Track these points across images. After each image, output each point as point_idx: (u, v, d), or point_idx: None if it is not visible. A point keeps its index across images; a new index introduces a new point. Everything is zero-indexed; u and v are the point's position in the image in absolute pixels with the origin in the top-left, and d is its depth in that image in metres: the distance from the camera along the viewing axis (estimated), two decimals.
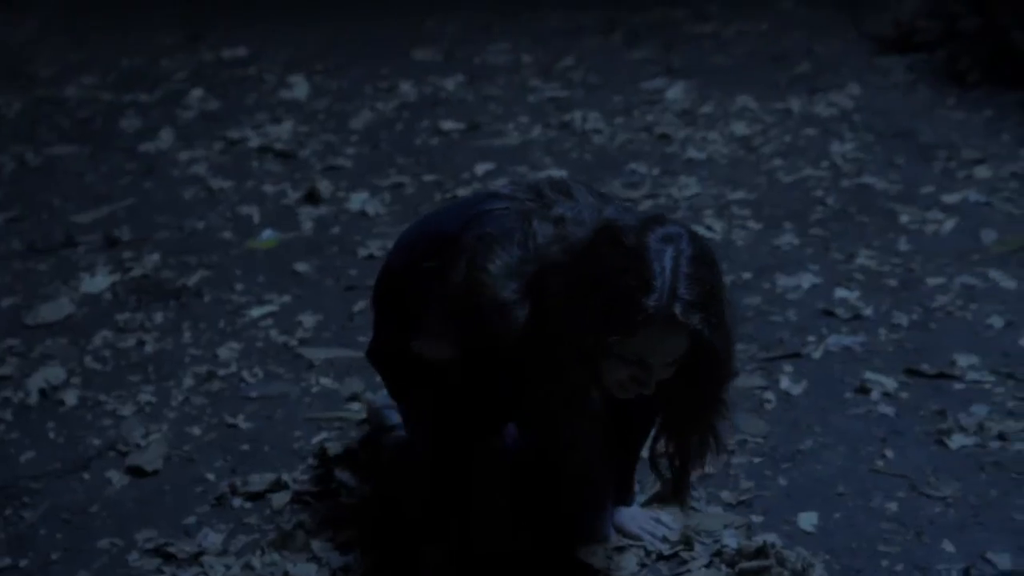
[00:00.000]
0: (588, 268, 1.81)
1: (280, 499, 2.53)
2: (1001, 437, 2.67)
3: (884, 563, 2.27)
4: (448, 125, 5.08)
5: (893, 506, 2.45)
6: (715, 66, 5.86)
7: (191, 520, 2.50)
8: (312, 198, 4.30)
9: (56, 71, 6.34)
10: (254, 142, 4.94)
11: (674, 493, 2.10)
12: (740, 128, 4.86)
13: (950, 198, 4.06)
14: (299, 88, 5.67)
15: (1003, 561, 2.25)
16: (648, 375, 1.83)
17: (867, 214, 3.98)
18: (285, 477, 2.58)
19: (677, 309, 1.75)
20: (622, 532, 2.36)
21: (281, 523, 2.45)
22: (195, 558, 2.34)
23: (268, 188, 4.47)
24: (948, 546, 2.30)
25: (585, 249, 1.83)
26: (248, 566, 2.30)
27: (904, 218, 3.92)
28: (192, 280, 3.68)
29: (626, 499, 2.39)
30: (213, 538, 2.41)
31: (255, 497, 2.55)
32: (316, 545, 2.35)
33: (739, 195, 4.20)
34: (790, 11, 7.00)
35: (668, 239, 1.78)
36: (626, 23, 6.70)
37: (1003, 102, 5.05)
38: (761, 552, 2.24)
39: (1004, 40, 5.32)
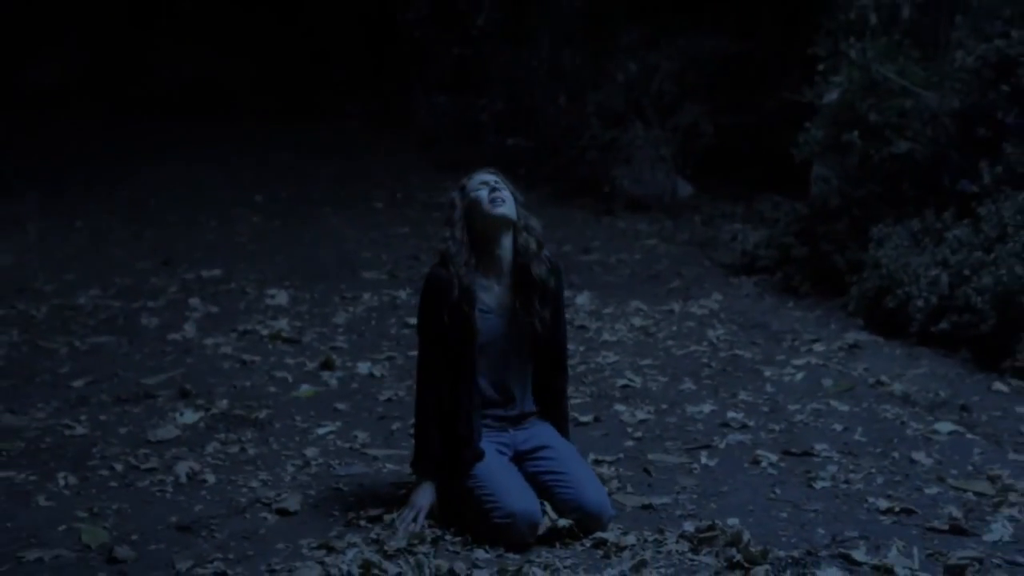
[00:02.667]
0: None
1: (390, 517, 3.83)
2: (847, 482, 4.19)
3: (783, 539, 3.70)
4: (413, 321, 6.51)
5: (784, 515, 3.91)
6: (607, 282, 7.53)
7: (334, 533, 3.77)
8: (327, 366, 5.68)
9: (58, 287, 7.56)
10: (263, 331, 6.30)
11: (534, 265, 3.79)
12: (638, 321, 6.47)
13: (798, 361, 5.71)
14: (280, 297, 7.07)
15: (853, 534, 3.73)
16: (493, 188, 3.71)
17: (741, 372, 5.59)
18: (392, 513, 3.88)
19: (485, 172, 3.78)
20: None
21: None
22: (350, 546, 3.62)
23: (289, 361, 5.82)
24: (821, 531, 3.76)
25: None
26: (383, 549, 3.58)
27: (767, 373, 5.54)
28: (261, 415, 4.98)
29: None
30: (356, 539, 3.69)
31: (374, 519, 3.84)
32: (426, 544, 3.65)
33: (647, 361, 5.76)
34: (654, 247, 8.82)
35: None
36: None
37: (829, 306, 6.85)
38: (710, 527, 3.66)
39: (827, 263, 7.14)
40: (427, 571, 3.45)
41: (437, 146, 14.80)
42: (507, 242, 3.78)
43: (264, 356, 5.88)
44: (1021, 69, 6.22)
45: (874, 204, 7.03)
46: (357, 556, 3.52)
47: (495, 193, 3.71)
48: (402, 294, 7.17)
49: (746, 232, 8.25)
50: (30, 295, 7.33)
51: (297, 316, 6.67)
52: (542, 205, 10.47)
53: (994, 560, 3.50)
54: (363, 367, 5.67)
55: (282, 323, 6.46)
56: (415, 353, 5.54)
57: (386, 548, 3.59)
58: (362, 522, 3.82)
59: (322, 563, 3.50)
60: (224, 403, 5.14)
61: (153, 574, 3.48)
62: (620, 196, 10.59)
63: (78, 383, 5.51)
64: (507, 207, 3.71)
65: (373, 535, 3.70)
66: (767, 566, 3.44)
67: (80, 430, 4.83)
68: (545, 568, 3.47)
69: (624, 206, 10.44)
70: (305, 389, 5.34)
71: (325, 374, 5.59)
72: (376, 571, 3.43)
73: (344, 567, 3.47)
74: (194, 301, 7.02)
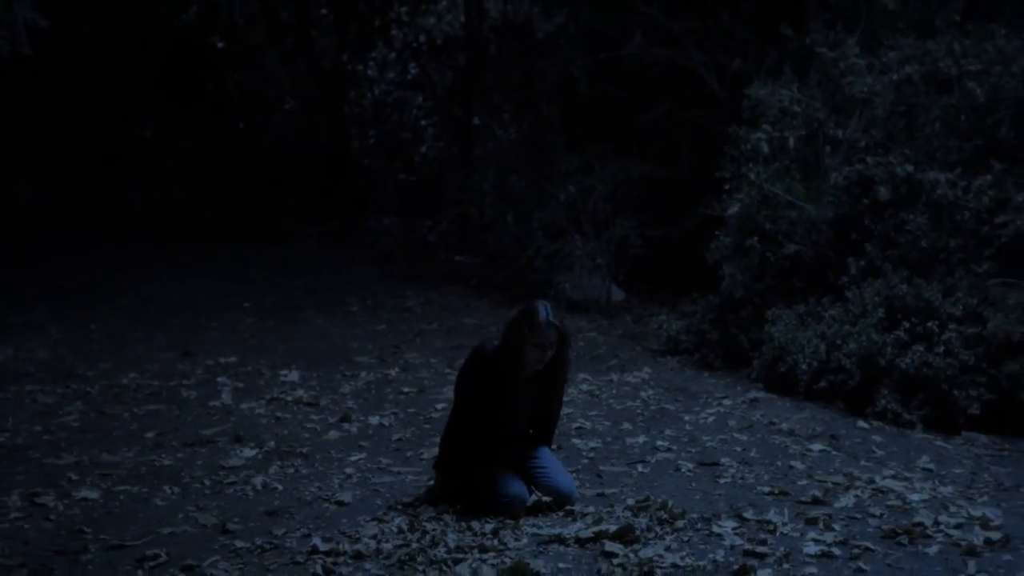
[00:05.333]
0: (516, 318, 5.16)
1: (419, 505, 5.42)
2: (743, 479, 5.86)
3: (696, 508, 5.33)
4: (406, 389, 8.18)
5: (697, 496, 5.54)
6: None
7: (380, 512, 5.36)
8: (346, 419, 7.26)
9: (98, 373, 9.04)
10: (287, 398, 7.87)
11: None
12: (585, 387, 8.14)
13: (710, 411, 7.40)
14: (292, 376, 8.65)
15: (744, 504, 5.38)
16: (544, 352, 5.10)
17: (666, 418, 7.26)
18: (421, 504, 5.46)
19: (552, 319, 5.09)
20: None
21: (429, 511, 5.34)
22: (396, 517, 5.21)
23: (313, 417, 7.40)
24: (722, 504, 5.40)
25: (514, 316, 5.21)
26: (419, 518, 5.17)
27: (687, 418, 7.22)
28: (304, 450, 6.55)
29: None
30: (399, 515, 5.28)
31: (408, 506, 5.43)
32: (449, 514, 5.25)
33: (594, 412, 7.42)
34: (594, 338, 10.53)
35: (541, 303, 5.15)
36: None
37: (737, 375, 8.57)
38: (645, 499, 5.31)
39: (734, 343, 8.88)
40: (452, 527, 5.06)
41: (393, 262, 16.43)
42: None
43: (293, 415, 7.45)
44: (876, 186, 8.06)
45: (771, 295, 8.79)
46: (403, 520, 5.12)
47: (542, 359, 5.22)
48: (392, 372, 8.78)
49: (670, 321, 10.01)
50: (78, 379, 8.79)
51: (310, 388, 8.24)
52: (496, 308, 12.22)
53: (839, 516, 5.17)
54: (374, 419, 7.26)
55: (300, 392, 8.03)
56: (414, 410, 7.24)
57: (421, 517, 5.18)
58: (399, 507, 5.40)
59: (378, 526, 5.08)
60: (272, 443, 6.69)
61: (258, 538, 5.02)
62: (563, 299, 12.27)
63: (149, 435, 7.01)
64: (543, 364, 5.27)
65: (410, 512, 5.28)
66: (685, 520, 5.09)
67: (167, 462, 6.35)
68: (532, 526, 5.09)
69: (566, 308, 12.11)
70: (332, 434, 6.91)
71: (345, 425, 7.16)
72: (417, 527, 5.03)
73: (395, 526, 5.06)
74: (222, 379, 8.55)
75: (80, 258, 16.37)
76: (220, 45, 23.35)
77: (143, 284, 14.09)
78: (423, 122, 23.04)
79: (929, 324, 7.27)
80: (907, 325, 7.35)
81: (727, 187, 9.37)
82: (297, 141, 23.83)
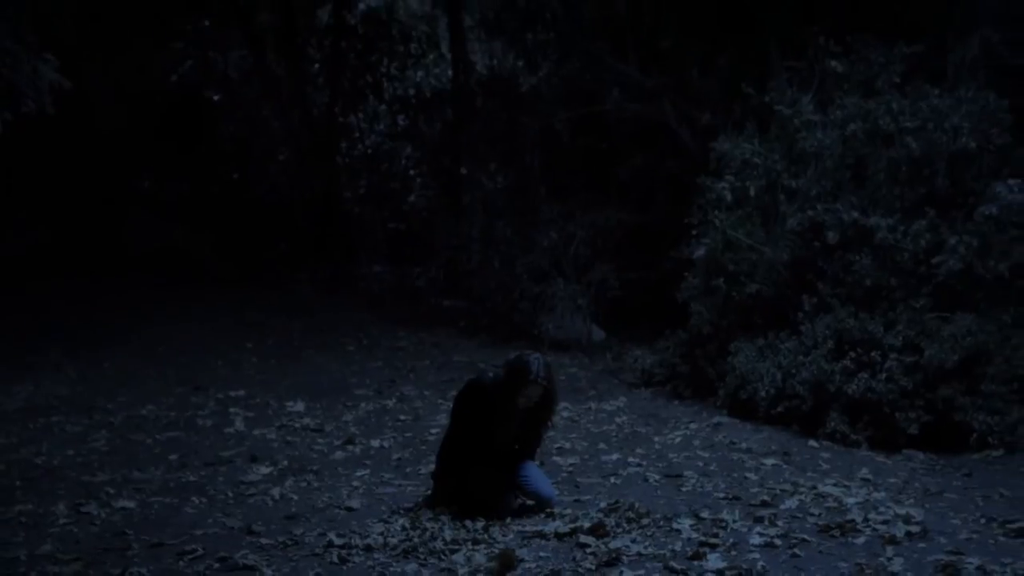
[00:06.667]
0: (513, 369, 5.98)
1: (418, 509, 6.24)
2: (702, 487, 6.68)
3: (660, 509, 6.17)
4: (403, 416, 9.00)
5: (662, 502, 6.36)
6: None
7: (385, 515, 6.16)
8: (350, 442, 8.07)
9: (118, 405, 9.82)
10: (296, 425, 8.69)
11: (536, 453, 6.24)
12: (566, 414, 8.96)
13: (678, 433, 8.24)
14: (298, 406, 9.45)
15: (702, 507, 6.21)
16: (530, 401, 5.95)
17: (638, 439, 8.08)
18: (421, 508, 6.28)
19: (540, 379, 5.93)
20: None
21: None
22: (395, 522, 6.02)
23: (320, 440, 8.21)
24: (683, 507, 6.23)
25: (506, 366, 6.04)
26: (419, 518, 5.99)
27: (656, 439, 8.05)
28: (314, 468, 7.36)
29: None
30: (399, 517, 6.09)
31: (409, 510, 6.24)
32: (446, 516, 6.07)
33: (574, 435, 8.24)
34: (575, 372, 11.37)
35: (534, 356, 6.02)
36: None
37: (704, 403, 9.42)
38: (616, 503, 6.14)
39: (702, 375, 9.72)
40: (448, 525, 5.88)
41: (384, 306, 17.21)
42: None
43: (301, 439, 8.26)
44: (826, 231, 8.94)
45: (734, 329, 9.63)
46: (406, 520, 5.94)
47: (529, 404, 6.06)
48: (390, 403, 9.60)
49: (644, 356, 10.87)
50: (100, 411, 9.57)
51: (315, 416, 9.04)
52: (483, 347, 13.04)
53: (783, 515, 6.00)
54: (375, 442, 8.07)
55: (306, 420, 8.84)
56: (411, 434, 8.06)
57: (422, 519, 6.00)
58: (402, 511, 6.22)
59: (384, 525, 5.90)
60: (285, 462, 7.49)
61: (280, 536, 5.81)
62: (546, 339, 13.08)
63: (173, 456, 7.80)
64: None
65: (411, 515, 6.10)
66: (649, 519, 5.92)
67: (192, 478, 7.15)
68: (518, 524, 5.92)
69: (550, 347, 12.92)
70: (339, 455, 7.72)
71: (350, 447, 7.97)
72: (418, 525, 5.85)
73: (398, 525, 5.88)
74: (233, 410, 9.35)
75: (84, 303, 17.09)
76: (216, 98, 24.24)
77: (148, 326, 14.84)
78: (412, 172, 23.84)
79: (873, 354, 8.11)
80: (854, 355, 8.19)
81: (694, 232, 10.22)
82: (290, 190, 24.54)
